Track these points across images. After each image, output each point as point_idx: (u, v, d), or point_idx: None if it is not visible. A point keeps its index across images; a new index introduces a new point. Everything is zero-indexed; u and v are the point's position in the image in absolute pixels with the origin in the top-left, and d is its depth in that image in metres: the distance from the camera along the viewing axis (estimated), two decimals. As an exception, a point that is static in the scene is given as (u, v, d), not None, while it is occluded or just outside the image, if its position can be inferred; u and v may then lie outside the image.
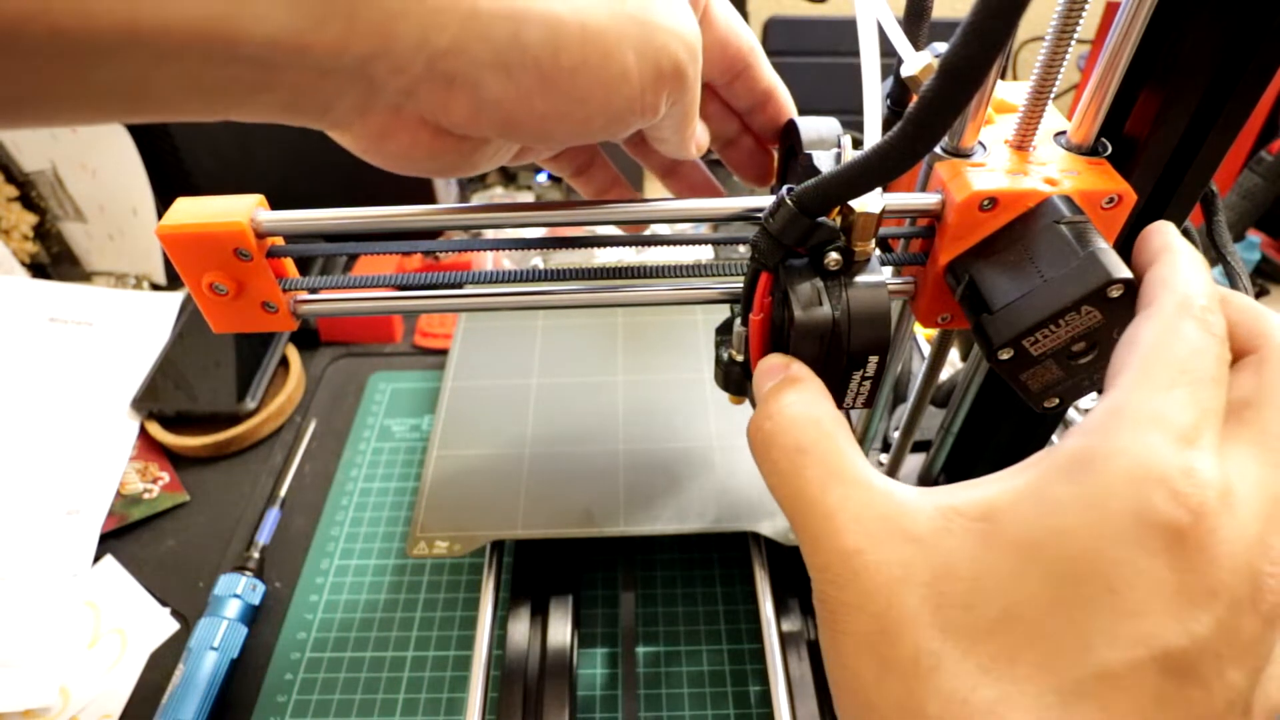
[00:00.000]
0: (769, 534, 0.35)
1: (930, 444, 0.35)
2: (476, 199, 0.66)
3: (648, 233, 0.25)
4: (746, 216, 0.21)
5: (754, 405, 0.22)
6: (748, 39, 0.23)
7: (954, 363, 0.44)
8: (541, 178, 0.68)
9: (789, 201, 0.18)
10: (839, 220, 0.19)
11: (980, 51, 0.14)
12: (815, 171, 0.21)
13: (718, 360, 0.23)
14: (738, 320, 0.22)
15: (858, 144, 0.21)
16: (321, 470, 0.45)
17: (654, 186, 0.71)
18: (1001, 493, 0.14)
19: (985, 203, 0.20)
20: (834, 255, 0.18)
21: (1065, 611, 0.13)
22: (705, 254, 0.57)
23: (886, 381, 0.31)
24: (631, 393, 0.42)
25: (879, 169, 0.17)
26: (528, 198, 0.67)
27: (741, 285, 0.23)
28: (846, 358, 0.19)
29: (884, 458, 0.37)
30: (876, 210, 0.18)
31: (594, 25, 0.17)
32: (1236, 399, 0.15)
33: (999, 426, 0.30)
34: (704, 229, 0.56)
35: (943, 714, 0.13)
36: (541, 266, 0.56)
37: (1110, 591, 0.12)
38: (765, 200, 0.20)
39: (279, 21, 0.14)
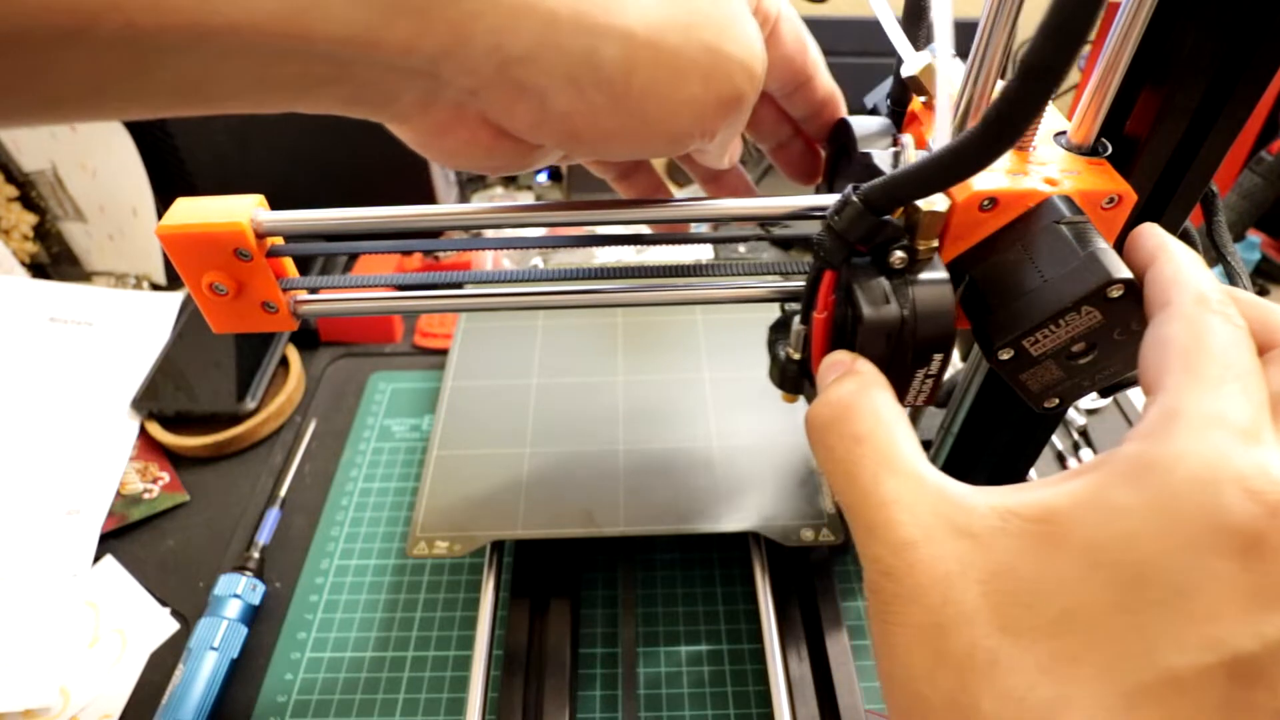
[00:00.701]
0: (769, 534, 0.35)
1: (930, 444, 0.35)
2: (476, 199, 0.66)
3: (647, 231, 0.25)
4: (806, 215, 0.21)
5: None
6: (814, 53, 0.23)
7: (955, 363, 0.44)
8: (542, 178, 0.68)
9: (856, 199, 0.18)
10: (903, 219, 0.19)
11: (1060, 50, 0.14)
12: (873, 170, 0.21)
13: (774, 358, 0.23)
14: (796, 318, 0.22)
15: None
16: (321, 470, 0.45)
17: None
18: (1059, 496, 0.14)
19: (985, 203, 0.20)
20: (899, 253, 0.18)
21: (1130, 615, 0.13)
22: (705, 253, 0.57)
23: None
24: (631, 393, 0.42)
25: (952, 169, 0.16)
26: (528, 198, 0.67)
27: (743, 285, 0.23)
28: (912, 355, 0.19)
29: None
30: (943, 209, 0.18)
31: (668, 49, 0.17)
32: (1273, 393, 0.15)
33: (999, 427, 0.30)
34: (704, 228, 0.56)
35: (998, 711, 0.13)
36: (541, 266, 0.56)
37: (1179, 595, 0.12)
38: (825, 199, 0.20)
39: (350, 18, 0.14)
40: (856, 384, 0.18)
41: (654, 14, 0.16)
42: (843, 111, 0.25)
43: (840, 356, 0.19)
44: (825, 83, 0.24)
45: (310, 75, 0.15)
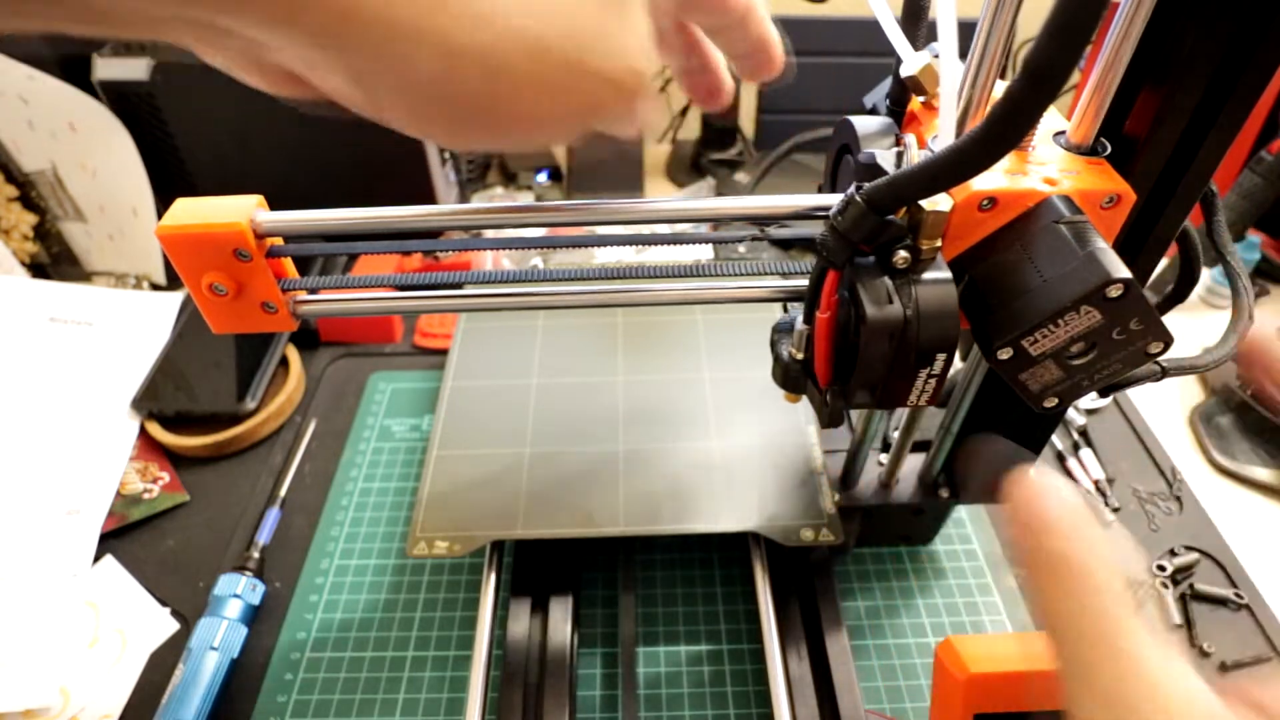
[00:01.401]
0: (769, 534, 0.35)
1: (930, 444, 0.35)
2: (476, 199, 0.66)
3: (646, 231, 0.24)
4: (808, 215, 0.21)
5: (815, 406, 0.22)
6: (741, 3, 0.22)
7: (954, 363, 0.44)
8: (542, 177, 0.68)
9: (859, 199, 0.18)
10: (906, 219, 0.19)
11: (1064, 51, 0.14)
12: (876, 170, 0.21)
13: (776, 358, 0.23)
14: (799, 318, 0.22)
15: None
16: (321, 470, 0.45)
17: (658, 186, 0.71)
18: None
19: (984, 202, 0.20)
20: (903, 253, 0.19)
21: None
22: (705, 254, 0.57)
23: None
24: (631, 393, 0.42)
25: (955, 169, 0.17)
26: (527, 198, 0.67)
27: (744, 285, 0.23)
28: (916, 355, 0.19)
29: (884, 458, 0.37)
30: (947, 209, 0.18)
31: (497, 64, 0.15)
32: None
33: (999, 427, 0.30)
34: (705, 228, 0.56)
35: None
36: (541, 266, 0.56)
37: None
38: (828, 199, 0.20)
39: None
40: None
41: (505, 31, 0.15)
42: (777, 58, 0.24)
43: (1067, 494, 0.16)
44: (760, 25, 0.23)
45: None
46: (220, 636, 0.35)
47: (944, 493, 0.35)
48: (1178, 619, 0.37)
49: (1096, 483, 0.44)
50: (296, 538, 0.42)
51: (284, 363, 0.50)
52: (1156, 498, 0.43)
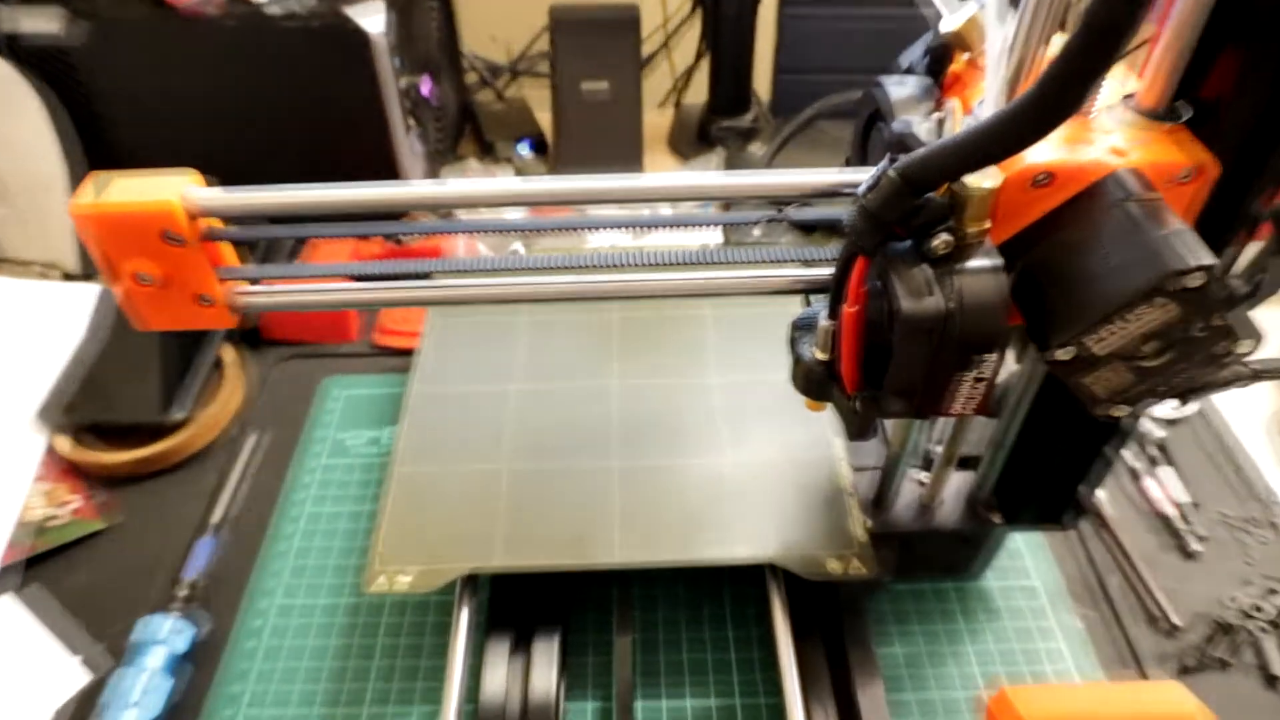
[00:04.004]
0: (789, 565, 0.35)
1: (978, 460, 0.35)
2: (447, 174, 0.66)
3: (645, 212, 0.25)
4: (833, 193, 0.21)
5: (841, 415, 0.22)
6: None
7: (1007, 365, 0.44)
8: (524, 149, 0.68)
9: (893, 175, 0.18)
10: (947, 197, 0.19)
11: (1130, 0, 0.14)
12: (912, 140, 0.21)
13: (797, 360, 0.23)
14: (822, 313, 0.22)
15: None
16: (264, 492, 0.45)
17: (660, 160, 0.71)
18: None
19: (1039, 178, 0.20)
20: (944, 237, 0.19)
21: None
22: (714, 238, 0.57)
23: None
24: (629, 400, 0.42)
25: (1005, 139, 0.17)
26: (507, 174, 0.67)
27: (759, 275, 0.23)
28: (958, 355, 0.19)
29: (924, 476, 0.37)
30: (995, 185, 0.18)
31: None
32: None
33: (1060, 440, 0.30)
34: (714, 208, 0.56)
35: None
36: (523, 254, 0.57)
37: None
38: (856, 174, 0.20)
39: None
40: None
41: None
42: None
43: None
44: None
45: None
46: (140, 691, 0.35)
47: (996, 517, 0.35)
48: None
49: (1179, 507, 0.44)
50: (233, 572, 0.42)
51: (220, 365, 0.50)
52: (1250, 524, 0.43)
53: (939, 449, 0.35)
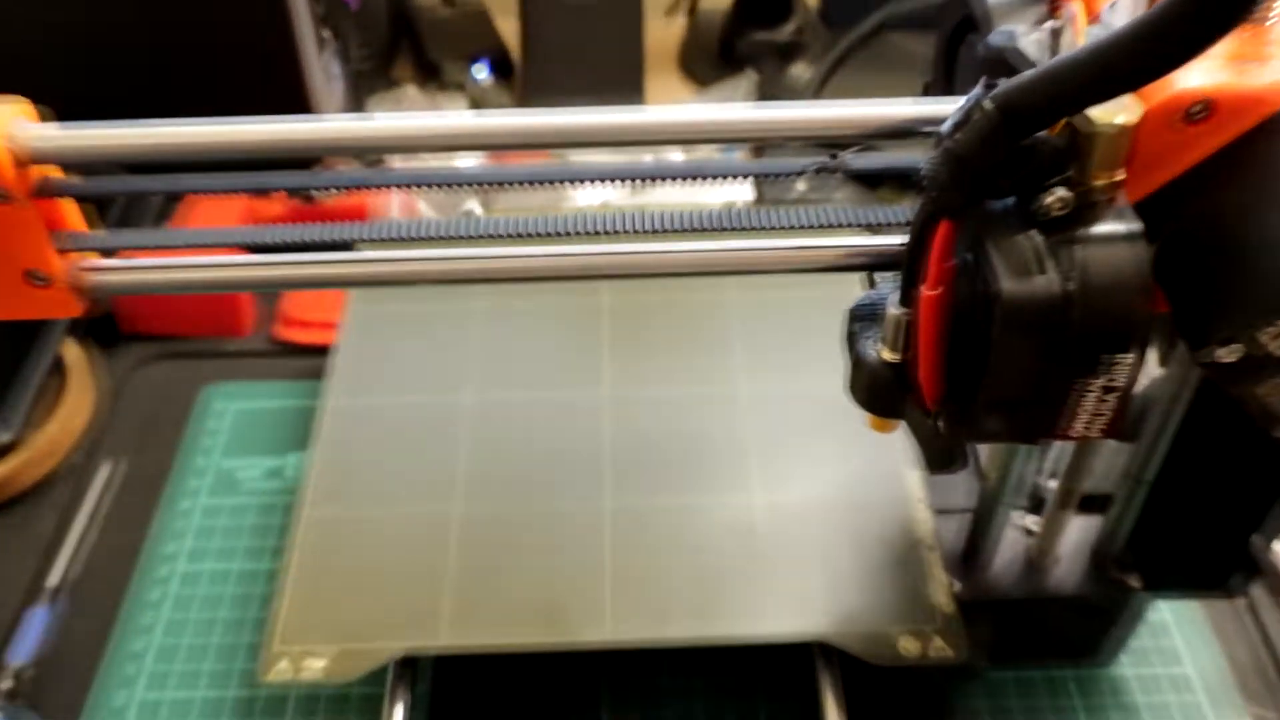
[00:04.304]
0: (845, 645, 0.35)
1: (1108, 501, 0.35)
2: (376, 106, 0.66)
3: (648, 160, 0.25)
4: (906, 131, 0.22)
5: (918, 438, 0.22)
6: None
7: (1147, 369, 0.44)
8: (481, 71, 0.68)
9: (989, 107, 0.18)
10: (1065, 137, 0.19)
11: None
12: (1016, 60, 0.21)
13: (857, 362, 0.23)
14: (892, 299, 0.22)
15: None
16: (120, 544, 0.45)
17: (667, 87, 0.71)
18: None
19: (1195, 109, 0.20)
20: (1060, 193, 0.19)
21: None
22: (742, 194, 0.57)
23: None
24: (625, 418, 0.42)
25: (1146, 56, 0.16)
26: (458, 105, 0.68)
27: (804, 244, 0.23)
28: (1080, 355, 0.19)
29: (1033, 523, 0.37)
30: (1132, 121, 0.18)
31: None
32: None
33: (1224, 474, 0.30)
34: (741, 154, 0.56)
35: None
36: (480, 215, 0.57)
37: None
38: (938, 106, 0.20)
39: None
40: None
41: None
42: None
43: None
44: None
45: None
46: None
47: (1133, 580, 0.35)
48: None
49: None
50: (78, 653, 0.42)
51: (61, 369, 0.50)
52: None
53: (1053, 485, 0.35)
